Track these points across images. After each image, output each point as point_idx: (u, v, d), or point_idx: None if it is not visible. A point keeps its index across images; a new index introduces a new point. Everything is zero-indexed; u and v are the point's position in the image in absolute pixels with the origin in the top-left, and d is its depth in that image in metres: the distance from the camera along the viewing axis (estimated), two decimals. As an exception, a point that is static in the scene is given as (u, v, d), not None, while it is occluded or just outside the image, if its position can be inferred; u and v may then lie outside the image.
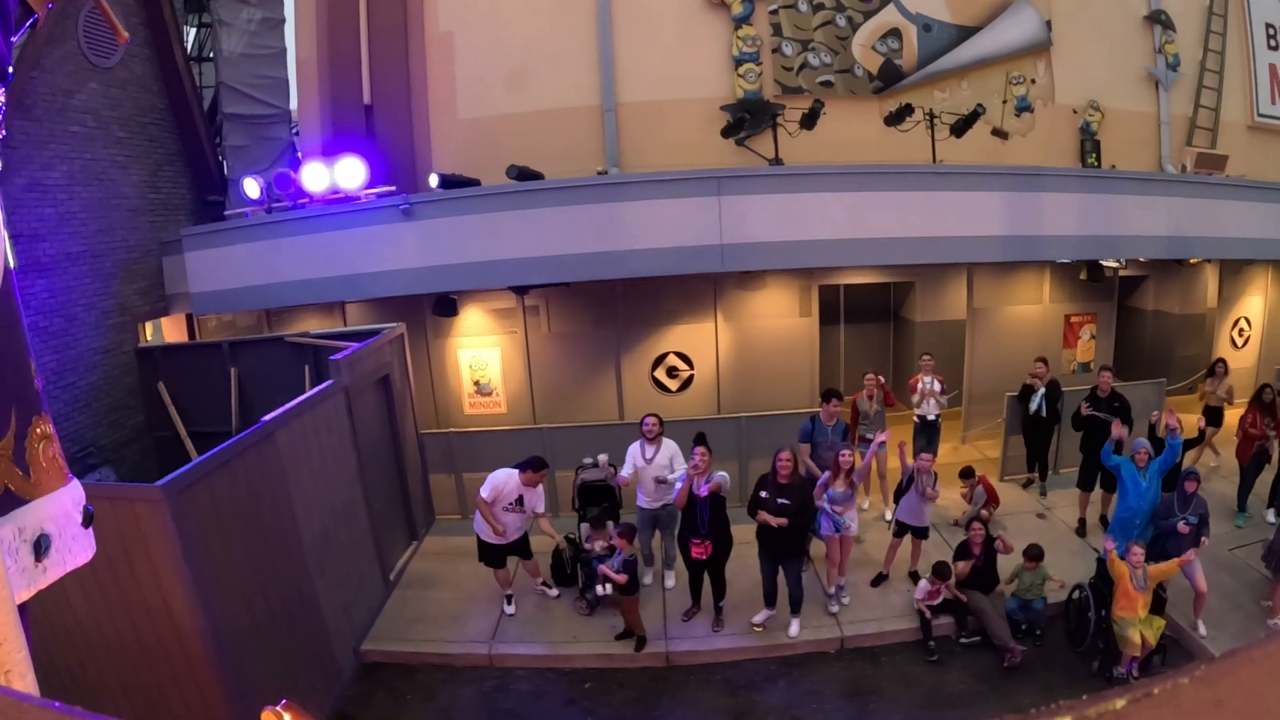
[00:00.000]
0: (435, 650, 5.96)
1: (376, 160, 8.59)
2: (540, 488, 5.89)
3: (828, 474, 5.67)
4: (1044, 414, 7.70)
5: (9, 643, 1.18)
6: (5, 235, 1.37)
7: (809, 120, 8.15)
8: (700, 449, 5.26)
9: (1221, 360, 8.12)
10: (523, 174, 7.13)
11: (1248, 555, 6.57)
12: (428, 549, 7.35)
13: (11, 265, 1.36)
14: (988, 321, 8.83)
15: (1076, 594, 5.67)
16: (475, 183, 7.44)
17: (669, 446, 5.86)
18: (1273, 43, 10.25)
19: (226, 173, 8.67)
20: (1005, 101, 9.44)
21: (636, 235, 6.89)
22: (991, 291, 8.81)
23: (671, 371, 8.24)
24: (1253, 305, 9.81)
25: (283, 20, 8.96)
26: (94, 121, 7.54)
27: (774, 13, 8.91)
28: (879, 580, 6.34)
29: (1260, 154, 10.34)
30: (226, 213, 8.10)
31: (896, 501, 6.32)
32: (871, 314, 10.08)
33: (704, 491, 5.15)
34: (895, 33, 9.15)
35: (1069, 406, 7.97)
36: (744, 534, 5.82)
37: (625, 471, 5.89)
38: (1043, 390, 7.67)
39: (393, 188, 7.56)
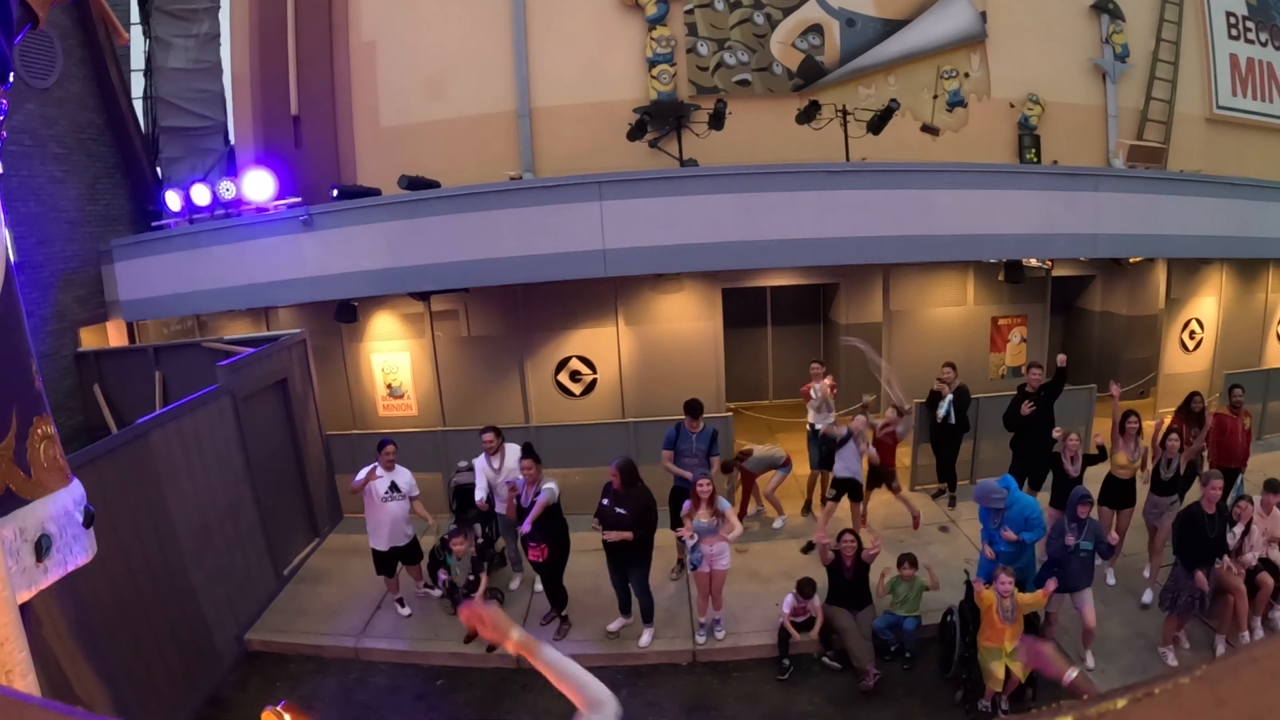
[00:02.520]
0: (309, 642, 6.31)
1: (304, 170, 8.95)
2: (407, 471, 6.14)
3: (688, 504, 5.59)
4: (952, 421, 7.57)
5: (10, 643, 1.19)
6: (6, 233, 1.36)
7: (716, 121, 8.17)
8: (526, 461, 5.42)
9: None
10: (413, 183, 7.38)
11: (1164, 578, 6.15)
12: (329, 546, 7.72)
13: (13, 260, 1.37)
14: (907, 324, 8.71)
15: (948, 617, 5.45)
16: (376, 192, 7.71)
17: (514, 452, 6.04)
18: (1234, 32, 9.74)
19: (163, 184, 9.16)
20: (936, 96, 9.23)
21: (520, 242, 7.07)
22: (911, 293, 8.68)
23: (574, 375, 8.40)
24: (1205, 306, 9.39)
25: (217, 35, 9.38)
26: (30, 140, 8.09)
27: (689, 12, 8.94)
28: (809, 547, 6.66)
29: (1220, 148, 9.88)
30: (154, 224, 8.57)
31: (830, 468, 6.85)
32: (800, 316, 10.03)
33: (527, 502, 5.32)
34: (816, 28, 9.06)
35: (988, 414, 7.83)
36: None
37: (480, 493, 6.08)
38: (950, 396, 7.54)
39: (298, 199, 7.89)
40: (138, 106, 9.79)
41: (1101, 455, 6.24)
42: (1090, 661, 5.32)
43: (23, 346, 1.40)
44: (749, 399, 9.93)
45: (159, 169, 9.34)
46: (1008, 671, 4.87)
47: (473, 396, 8.52)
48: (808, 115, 8.17)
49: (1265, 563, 5.65)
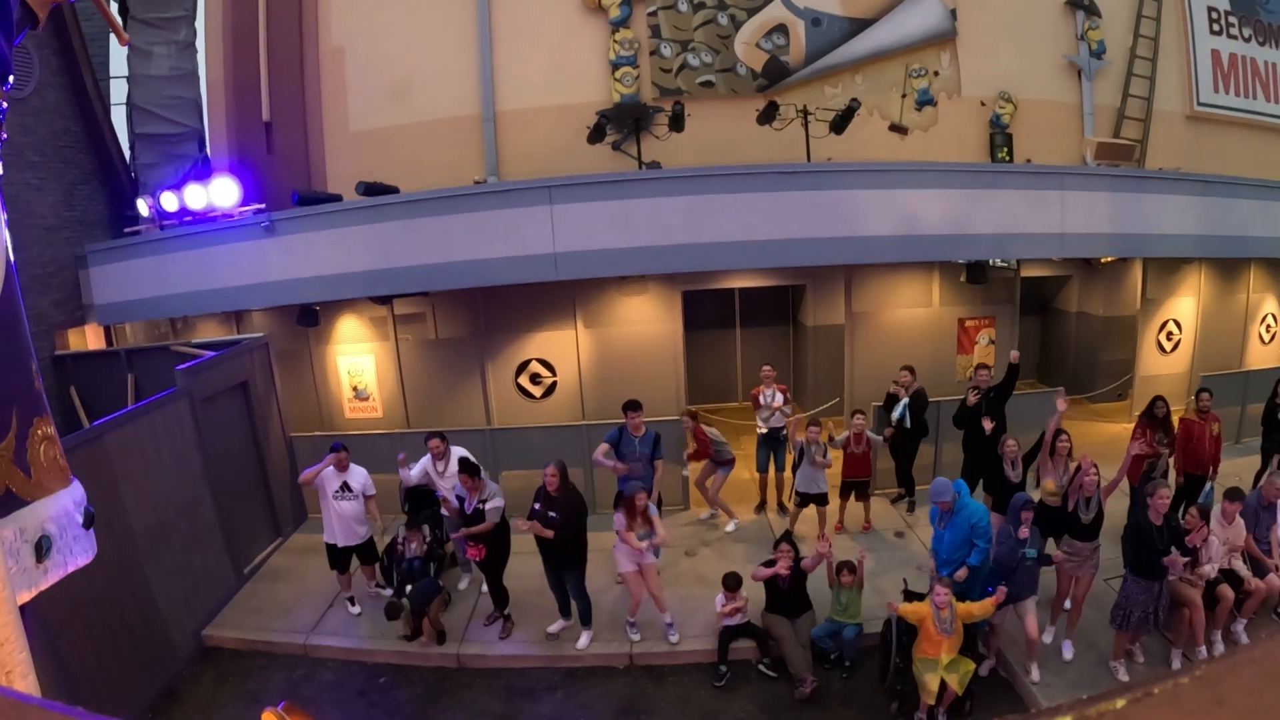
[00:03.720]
0: (262, 638, 6.56)
1: (276, 175, 9.21)
2: (363, 470, 6.34)
3: (622, 514, 5.69)
4: (907, 424, 7.60)
5: (10, 643, 1.20)
6: (6, 235, 1.41)
7: (675, 123, 8.29)
8: (463, 476, 5.60)
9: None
10: (371, 189, 7.59)
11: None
12: (292, 545, 7.97)
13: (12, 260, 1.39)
14: (870, 326, 8.76)
15: (888, 627, 5.32)
16: (336, 198, 7.93)
17: (458, 454, 6.23)
18: (1216, 27, 9.62)
19: (139, 190, 9.47)
20: (905, 95, 9.24)
21: (472, 246, 7.25)
22: (874, 295, 8.73)
23: (535, 378, 8.56)
24: (1183, 307, 9.30)
25: (193, 43, 9.67)
26: (7, 148, 8.39)
27: (652, 14, 9.05)
28: (786, 537, 6.64)
29: (1201, 145, 9.77)
30: (126, 230, 8.88)
31: (794, 474, 6.95)
32: (769, 318, 10.10)
33: (471, 509, 5.51)
34: (781, 28, 9.13)
35: (950, 418, 7.84)
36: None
37: (414, 473, 6.27)
38: (905, 400, 7.58)
39: (262, 205, 8.13)
40: (122, 113, 10.15)
41: (1037, 446, 6.09)
42: (1035, 675, 5.28)
43: (23, 346, 1.42)
44: (716, 401, 10.02)
45: (136, 175, 9.66)
46: (944, 684, 4.82)
47: (436, 399, 8.73)
48: (767, 116, 8.25)
49: (1228, 574, 5.49)
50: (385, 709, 5.81)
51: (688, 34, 9.11)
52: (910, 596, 5.49)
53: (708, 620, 6.09)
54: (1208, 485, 7.18)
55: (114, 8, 10.04)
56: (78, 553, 1.50)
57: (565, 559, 5.73)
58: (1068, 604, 5.62)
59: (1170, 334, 9.38)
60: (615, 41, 9.03)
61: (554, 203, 7.16)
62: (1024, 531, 5.14)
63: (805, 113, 8.26)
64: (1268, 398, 7.93)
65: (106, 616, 5.83)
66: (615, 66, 9.04)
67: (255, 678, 6.26)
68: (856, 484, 7.23)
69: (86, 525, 1.53)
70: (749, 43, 9.15)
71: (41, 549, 1.38)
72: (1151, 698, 0.42)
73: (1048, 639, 5.61)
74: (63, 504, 1.47)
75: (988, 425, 6.33)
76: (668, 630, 5.98)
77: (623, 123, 8.57)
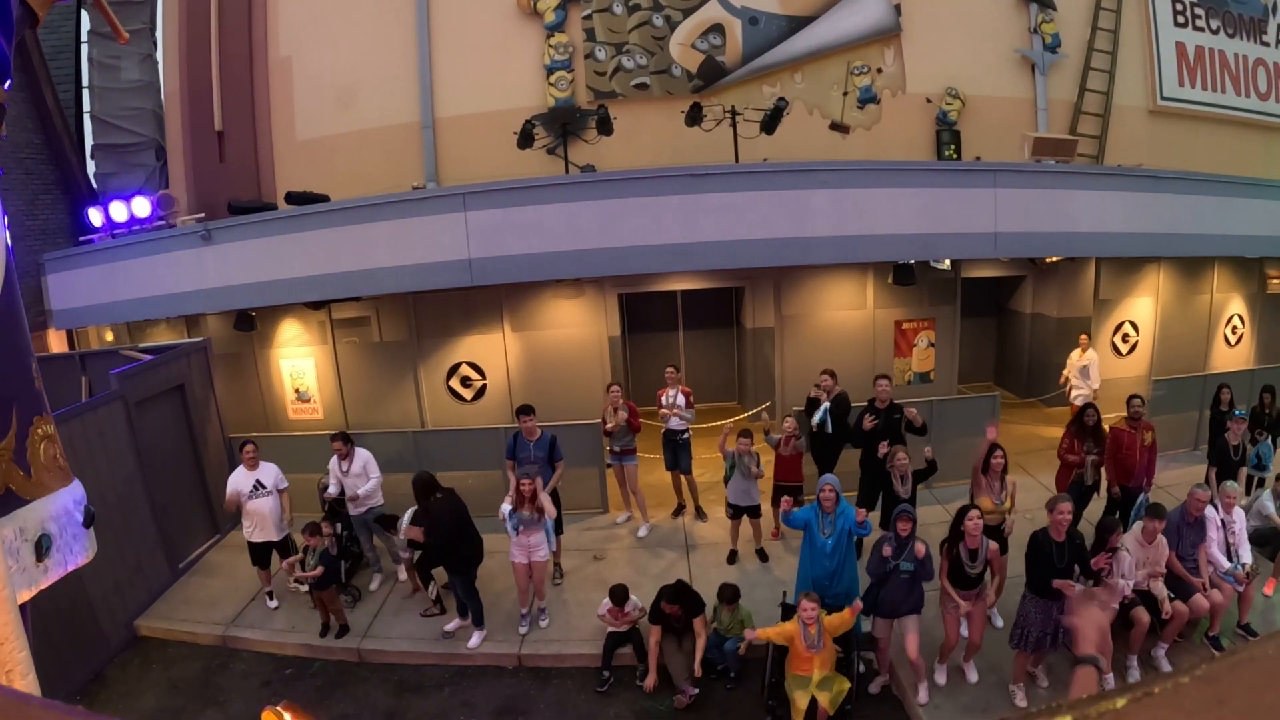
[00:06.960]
0: (187, 629, 7.24)
1: (228, 184, 9.90)
2: (273, 467, 6.90)
3: (508, 498, 6.17)
4: (829, 429, 7.86)
5: (10, 642, 1.26)
6: (7, 236, 1.44)
7: (603, 126, 8.67)
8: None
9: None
10: (300, 199, 8.16)
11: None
12: (230, 542, 8.64)
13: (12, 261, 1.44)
14: (801, 329, 9.05)
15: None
16: (271, 207, 8.54)
17: (361, 456, 6.77)
18: (1181, 19, 9.57)
19: (98, 199, 10.26)
20: (846, 94, 9.45)
21: (391, 253, 7.78)
22: (805, 297, 9.01)
23: (465, 381, 9.07)
24: (1140, 308, 9.33)
25: (150, 55, 10.43)
26: (-21, 159, 9.26)
27: (587, 18, 9.44)
28: (733, 558, 7.12)
29: (1165, 140, 9.75)
30: (81, 238, 9.66)
31: (725, 485, 7.15)
32: (713, 320, 10.41)
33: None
34: (718, 28, 9.44)
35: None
36: (493, 543, 6.60)
37: (332, 488, 6.81)
38: (827, 404, 7.84)
39: (202, 214, 8.80)
40: (89, 122, 10.97)
41: (931, 468, 6.40)
42: (923, 696, 5.26)
43: (23, 346, 1.47)
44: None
45: (94, 184, 10.46)
46: (814, 702, 4.95)
47: (373, 401, 9.32)
48: (693, 118, 8.57)
49: (1145, 596, 5.46)
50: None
51: (622, 36, 9.49)
52: (788, 610, 5.62)
53: (599, 625, 6.46)
54: (1141, 498, 7.22)
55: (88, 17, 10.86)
56: (77, 551, 1.57)
57: (451, 560, 6.21)
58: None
59: (1126, 336, 9.42)
60: (550, 46, 9.47)
61: (468, 209, 7.64)
62: (887, 549, 5.17)
63: (733, 113, 8.56)
64: (1211, 404, 7.99)
65: (37, 603, 6.51)
66: (550, 71, 9.48)
67: (177, 666, 6.92)
68: (789, 489, 7.42)
69: (86, 524, 1.62)
70: (684, 44, 9.48)
71: (41, 548, 1.44)
72: (1152, 698, 0.43)
73: (940, 679, 5.50)
74: (63, 503, 1.53)
75: (882, 449, 6.51)
76: (539, 615, 6.47)
77: (553, 127, 8.99)
